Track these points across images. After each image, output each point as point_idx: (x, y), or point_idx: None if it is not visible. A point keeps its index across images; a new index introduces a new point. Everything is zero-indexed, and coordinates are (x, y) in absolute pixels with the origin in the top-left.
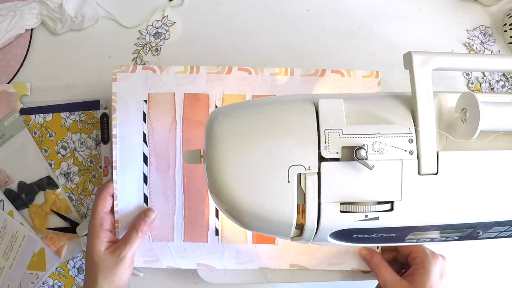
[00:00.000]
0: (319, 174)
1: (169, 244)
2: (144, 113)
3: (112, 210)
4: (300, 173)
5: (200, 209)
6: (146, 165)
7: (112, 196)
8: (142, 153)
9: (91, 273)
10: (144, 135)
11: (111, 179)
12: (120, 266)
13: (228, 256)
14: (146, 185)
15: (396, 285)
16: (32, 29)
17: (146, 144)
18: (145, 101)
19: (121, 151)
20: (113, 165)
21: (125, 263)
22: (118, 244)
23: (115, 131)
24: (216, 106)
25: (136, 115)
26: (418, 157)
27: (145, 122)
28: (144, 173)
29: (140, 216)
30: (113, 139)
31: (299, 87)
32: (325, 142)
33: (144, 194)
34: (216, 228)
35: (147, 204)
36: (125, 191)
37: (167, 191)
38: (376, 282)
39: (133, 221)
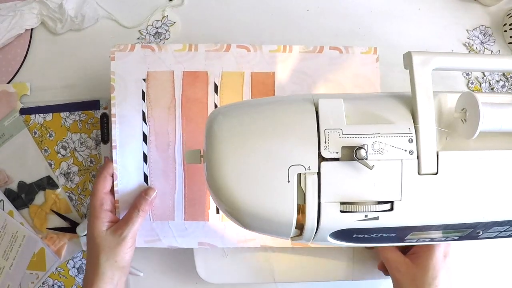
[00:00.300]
0: (319, 174)
1: (169, 224)
2: (143, 91)
3: (112, 191)
4: (300, 173)
5: (200, 188)
6: (146, 144)
7: (112, 176)
8: (142, 132)
9: (93, 254)
10: (144, 113)
11: (110, 159)
12: (122, 245)
13: (229, 234)
14: (146, 164)
15: (399, 263)
16: (32, 29)
17: (146, 123)
18: (144, 79)
19: (120, 131)
20: (113, 144)
21: (127, 243)
22: (119, 224)
23: (114, 110)
24: (215, 84)
25: (135, 93)
26: (418, 157)
27: (144, 101)
28: (144, 152)
29: (141, 195)
30: (112, 118)
31: (298, 64)
32: (325, 142)
33: (144, 173)
34: (217, 206)
35: (147, 183)
36: (125, 170)
37: (167, 169)
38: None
39: (133, 201)
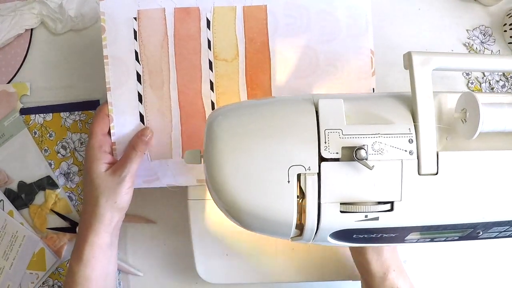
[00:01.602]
0: (319, 174)
1: (168, 162)
2: (134, 30)
3: (110, 132)
4: (300, 173)
5: (197, 124)
6: (140, 83)
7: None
8: (135, 71)
9: (92, 196)
10: (136, 53)
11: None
12: (121, 186)
13: None
14: (142, 103)
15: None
16: (32, 29)
17: (139, 62)
18: (135, 18)
19: (113, 72)
20: (107, 86)
21: (126, 183)
22: (117, 165)
23: (106, 51)
24: (207, 19)
25: (126, 33)
26: (418, 157)
27: (136, 40)
28: (138, 91)
29: (137, 135)
30: (105, 60)
31: None
32: (325, 142)
33: (140, 113)
34: None
35: (143, 123)
36: (121, 111)
37: (163, 108)
38: None
39: (130, 141)
